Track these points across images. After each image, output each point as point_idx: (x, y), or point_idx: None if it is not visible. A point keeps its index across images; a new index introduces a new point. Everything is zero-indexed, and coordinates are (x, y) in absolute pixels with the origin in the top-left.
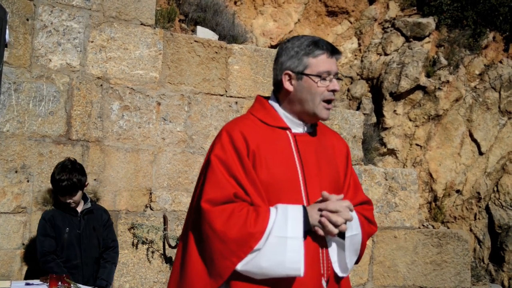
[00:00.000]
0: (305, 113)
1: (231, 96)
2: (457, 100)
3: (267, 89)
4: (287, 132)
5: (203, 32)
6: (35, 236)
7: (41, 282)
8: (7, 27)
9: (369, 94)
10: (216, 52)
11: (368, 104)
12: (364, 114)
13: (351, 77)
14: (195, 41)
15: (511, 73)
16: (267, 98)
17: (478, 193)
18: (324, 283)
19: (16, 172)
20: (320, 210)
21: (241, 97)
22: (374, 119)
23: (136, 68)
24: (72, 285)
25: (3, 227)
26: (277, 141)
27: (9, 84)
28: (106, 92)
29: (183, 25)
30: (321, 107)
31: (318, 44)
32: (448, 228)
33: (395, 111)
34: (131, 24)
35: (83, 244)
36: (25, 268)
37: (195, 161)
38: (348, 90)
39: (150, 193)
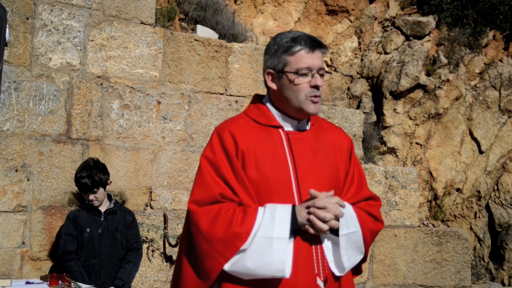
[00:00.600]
0: (293, 109)
1: (231, 95)
2: (457, 98)
3: None
4: (280, 130)
5: (203, 31)
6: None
7: (42, 281)
8: (7, 26)
9: (369, 93)
10: (216, 51)
11: (368, 102)
12: (364, 112)
13: (351, 76)
14: (195, 40)
15: (511, 72)
16: (264, 96)
17: (478, 191)
18: (320, 283)
19: (16, 171)
20: (308, 207)
21: (241, 96)
22: (374, 117)
23: (136, 67)
24: (72, 284)
25: (3, 226)
26: (268, 140)
27: (9, 83)
28: (106, 91)
29: (183, 24)
30: (307, 102)
31: (296, 40)
32: (448, 226)
33: (395, 109)
34: (131, 23)
35: (103, 244)
36: (25, 267)
37: (195, 160)
38: (348, 88)
39: (150, 192)
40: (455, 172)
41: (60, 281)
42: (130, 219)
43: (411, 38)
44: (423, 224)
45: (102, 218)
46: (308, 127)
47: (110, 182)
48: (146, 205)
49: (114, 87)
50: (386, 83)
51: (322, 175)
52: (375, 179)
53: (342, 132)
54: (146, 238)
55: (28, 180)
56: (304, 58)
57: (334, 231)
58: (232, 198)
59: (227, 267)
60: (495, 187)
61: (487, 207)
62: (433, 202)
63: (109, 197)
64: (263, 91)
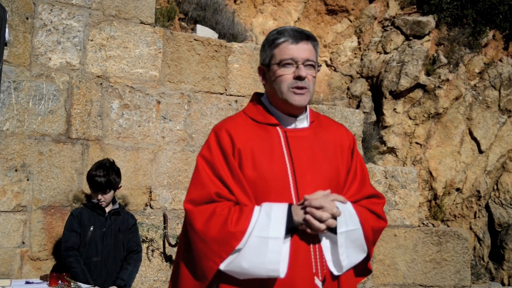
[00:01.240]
0: (280, 103)
1: (231, 95)
2: (457, 98)
3: None
4: (278, 128)
5: (202, 31)
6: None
7: (41, 281)
8: (6, 25)
9: (369, 93)
10: (216, 51)
11: (368, 102)
12: (364, 112)
13: (351, 76)
14: (195, 39)
15: (511, 72)
16: (263, 95)
17: (478, 191)
18: (318, 283)
19: (16, 170)
20: (304, 207)
21: (240, 96)
22: (374, 117)
23: (136, 67)
24: (72, 283)
25: (3, 226)
26: (266, 139)
27: (9, 83)
28: (106, 90)
29: (182, 23)
30: (290, 94)
31: (281, 32)
32: (448, 226)
33: (395, 109)
34: (131, 23)
35: (106, 243)
36: (25, 266)
37: (194, 160)
38: (348, 88)
39: (150, 192)
40: (455, 172)
41: (60, 281)
42: (132, 222)
43: (411, 37)
44: (423, 224)
45: (106, 218)
46: (307, 125)
47: (121, 186)
48: (146, 205)
49: (114, 87)
50: (386, 83)
51: (320, 173)
52: (375, 179)
53: (344, 129)
54: (146, 238)
55: (27, 180)
56: (287, 49)
57: (333, 230)
58: (229, 197)
59: (223, 266)
60: (495, 187)
61: (487, 207)
62: (433, 202)
63: (113, 198)
64: (263, 90)
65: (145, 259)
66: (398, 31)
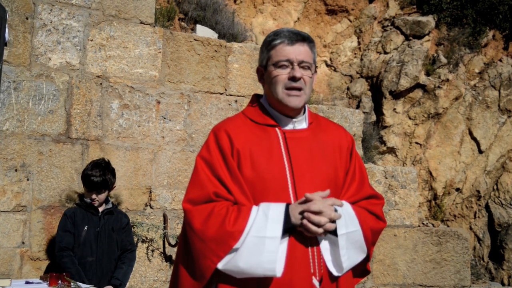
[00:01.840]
0: (277, 104)
1: (230, 95)
2: (456, 98)
3: None
4: (276, 129)
5: (202, 31)
6: (32, 233)
7: (41, 281)
8: (6, 25)
9: (369, 93)
10: (216, 51)
11: (367, 102)
12: (364, 112)
13: (350, 76)
14: (195, 39)
15: (510, 72)
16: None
17: (478, 191)
18: (316, 283)
19: (16, 170)
20: (302, 211)
21: (240, 96)
22: (373, 117)
23: (136, 67)
24: (72, 283)
25: (3, 226)
26: (265, 139)
27: (9, 83)
28: (105, 90)
29: (182, 23)
30: (284, 95)
31: (277, 34)
32: (448, 226)
33: (394, 109)
34: (131, 23)
35: (100, 243)
36: (25, 266)
37: (194, 160)
38: (348, 88)
39: (150, 192)
40: (454, 172)
41: (59, 281)
42: (125, 221)
43: (411, 38)
44: (423, 224)
45: (99, 218)
46: (306, 126)
47: (115, 186)
48: (146, 205)
49: (114, 87)
50: (386, 83)
51: (319, 173)
52: (375, 179)
53: (343, 130)
54: (146, 238)
55: (27, 179)
56: (283, 50)
57: (332, 231)
58: (227, 197)
59: (220, 266)
60: (495, 187)
61: (487, 207)
62: (433, 202)
63: (106, 198)
64: (262, 91)
65: (145, 259)
66: (398, 31)
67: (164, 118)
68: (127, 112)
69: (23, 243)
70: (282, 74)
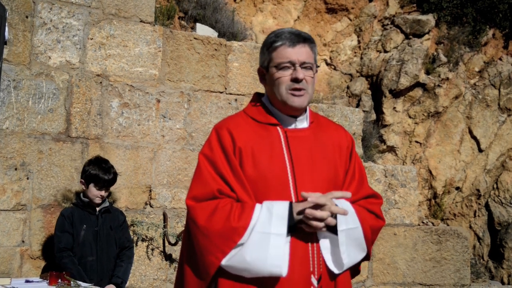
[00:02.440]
0: (280, 104)
1: (230, 93)
2: (456, 97)
3: None
4: (278, 128)
5: (202, 30)
6: (32, 232)
7: (41, 280)
8: (6, 24)
9: (369, 91)
10: (216, 49)
11: (367, 101)
12: (364, 111)
13: (350, 74)
14: (195, 38)
15: (510, 70)
16: (264, 94)
17: (478, 190)
18: (314, 281)
19: (15, 169)
20: (303, 208)
21: (240, 94)
22: (373, 116)
23: (136, 66)
24: (72, 282)
25: (3, 225)
26: (266, 138)
27: (9, 82)
28: (105, 89)
29: (182, 22)
30: (288, 96)
31: (278, 35)
32: (448, 225)
33: (394, 108)
34: (131, 22)
35: (100, 242)
36: (25, 265)
37: (194, 158)
38: (348, 87)
39: (150, 191)
40: (454, 170)
41: (59, 280)
42: (122, 218)
43: (411, 36)
44: (423, 222)
45: (97, 217)
46: (307, 125)
47: None
48: (146, 204)
49: (114, 86)
50: (386, 82)
51: (319, 173)
52: (375, 178)
53: (343, 130)
54: (146, 236)
55: (27, 178)
56: (285, 52)
57: (332, 229)
58: (230, 195)
59: (224, 261)
60: (495, 186)
61: (487, 206)
62: (433, 201)
63: None
64: (262, 89)
65: (144, 258)
66: (398, 30)
67: (164, 117)
68: (127, 110)
69: (23, 242)
70: (285, 76)
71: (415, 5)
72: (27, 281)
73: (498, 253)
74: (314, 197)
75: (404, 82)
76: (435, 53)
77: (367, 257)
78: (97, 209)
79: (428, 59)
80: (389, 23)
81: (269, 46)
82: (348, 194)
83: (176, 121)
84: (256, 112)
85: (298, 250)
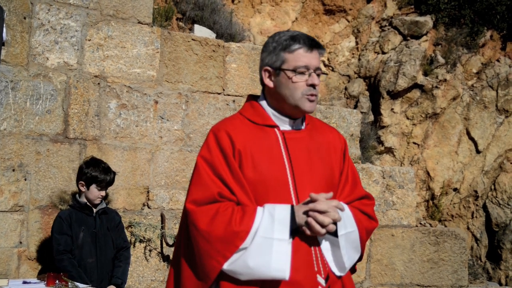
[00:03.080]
0: (288, 107)
1: (228, 95)
2: (454, 98)
3: None
4: (275, 130)
5: (200, 31)
6: (29, 233)
7: (39, 281)
8: (4, 25)
9: (367, 93)
10: (214, 51)
11: (365, 102)
12: (362, 112)
13: (348, 76)
14: (193, 39)
15: (508, 72)
16: (258, 96)
17: (476, 191)
18: (321, 280)
19: (13, 170)
20: (307, 210)
21: (238, 96)
22: (371, 117)
23: (134, 67)
24: (69, 283)
25: (0, 226)
26: (264, 140)
27: (6, 83)
28: (103, 90)
29: (180, 23)
30: (303, 100)
31: (295, 39)
32: (446, 226)
33: (392, 109)
34: (129, 23)
35: (99, 243)
36: (22, 266)
37: (192, 160)
38: (346, 88)
39: (148, 192)
40: (452, 171)
41: (57, 281)
42: (118, 219)
43: (409, 38)
44: (421, 223)
45: (94, 218)
46: (303, 127)
47: None
48: (143, 205)
49: (112, 87)
50: (384, 83)
51: (317, 174)
52: (373, 179)
53: (336, 132)
54: (144, 237)
55: (25, 179)
56: (302, 56)
57: (332, 232)
58: (230, 198)
59: (226, 266)
60: (492, 187)
61: (484, 207)
62: (430, 202)
63: None
64: (260, 91)
65: (142, 259)
66: (396, 31)
67: (162, 118)
68: (124, 112)
69: (20, 243)
70: (301, 81)
71: (413, 6)
72: (24, 282)
73: (495, 254)
74: (318, 202)
75: (402, 83)
76: (433, 55)
77: (360, 258)
78: (95, 210)
79: (426, 60)
80: (387, 24)
81: (285, 47)
82: (330, 195)
83: (174, 122)
84: (252, 113)
85: (301, 251)
